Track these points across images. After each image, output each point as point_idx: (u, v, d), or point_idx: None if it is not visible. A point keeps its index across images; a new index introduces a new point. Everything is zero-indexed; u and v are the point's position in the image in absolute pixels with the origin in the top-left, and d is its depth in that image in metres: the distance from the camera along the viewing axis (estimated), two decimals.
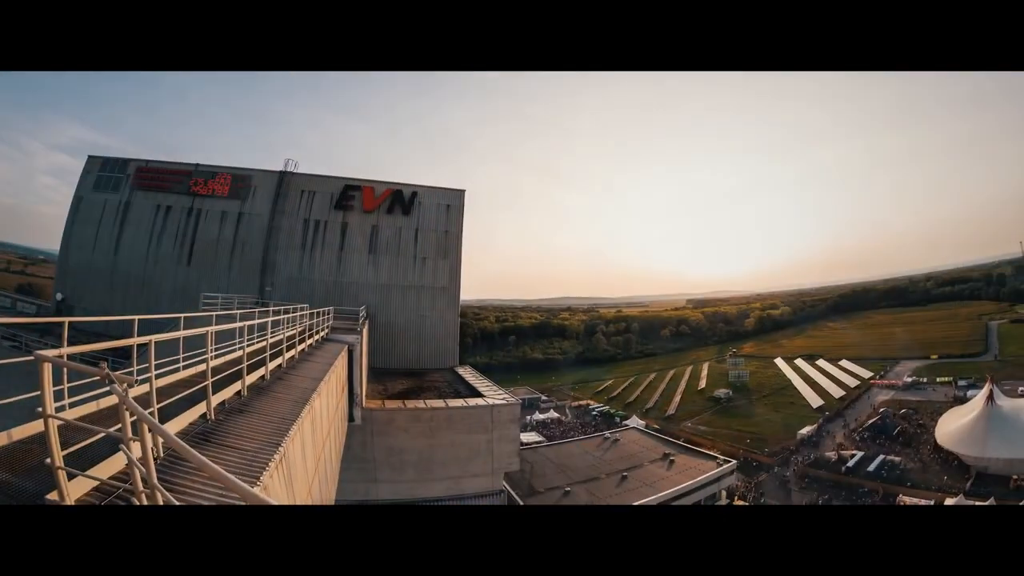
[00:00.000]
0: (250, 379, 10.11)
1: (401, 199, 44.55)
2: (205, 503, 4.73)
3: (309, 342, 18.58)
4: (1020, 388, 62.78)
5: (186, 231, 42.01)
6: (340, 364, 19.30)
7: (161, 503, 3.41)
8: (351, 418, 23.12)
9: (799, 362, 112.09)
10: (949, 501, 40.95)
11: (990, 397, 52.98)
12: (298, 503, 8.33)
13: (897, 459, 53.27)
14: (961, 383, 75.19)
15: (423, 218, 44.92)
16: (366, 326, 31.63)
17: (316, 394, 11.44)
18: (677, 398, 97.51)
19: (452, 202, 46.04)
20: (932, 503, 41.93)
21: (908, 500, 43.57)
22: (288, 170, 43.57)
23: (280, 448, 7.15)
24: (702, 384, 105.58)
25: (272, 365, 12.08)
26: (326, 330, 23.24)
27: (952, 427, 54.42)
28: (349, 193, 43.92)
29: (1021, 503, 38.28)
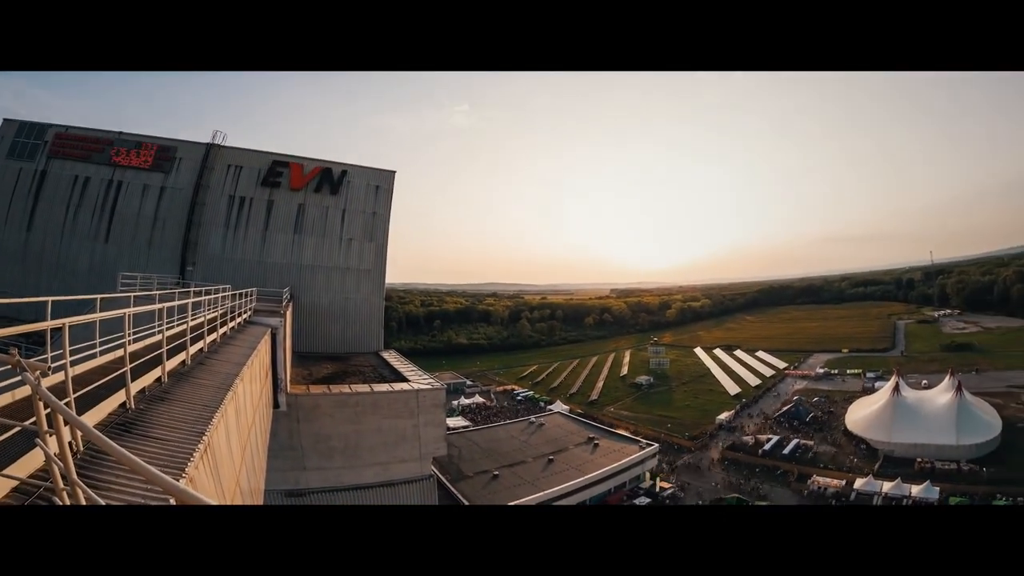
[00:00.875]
0: (170, 364, 9.67)
1: (330, 178, 43.25)
2: (130, 499, 4.52)
3: (231, 325, 17.91)
4: (924, 381, 69.59)
5: (105, 205, 39.14)
6: (263, 348, 18.71)
7: (83, 501, 3.25)
8: (276, 404, 22.51)
9: (718, 352, 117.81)
10: (859, 481, 45.33)
11: (896, 388, 58.68)
12: (226, 495, 8.09)
13: (810, 443, 57.57)
14: (870, 375, 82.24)
15: (351, 198, 43.79)
16: (290, 308, 30.73)
17: (239, 379, 11.09)
18: (600, 384, 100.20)
19: (381, 183, 45.09)
20: (844, 483, 46.31)
21: (821, 480, 47.68)
22: (216, 142, 41.35)
23: (204, 437, 6.90)
24: (624, 371, 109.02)
25: (193, 349, 11.59)
26: (249, 312, 22.42)
27: (861, 415, 59.72)
28: (277, 169, 42.14)
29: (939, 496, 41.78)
